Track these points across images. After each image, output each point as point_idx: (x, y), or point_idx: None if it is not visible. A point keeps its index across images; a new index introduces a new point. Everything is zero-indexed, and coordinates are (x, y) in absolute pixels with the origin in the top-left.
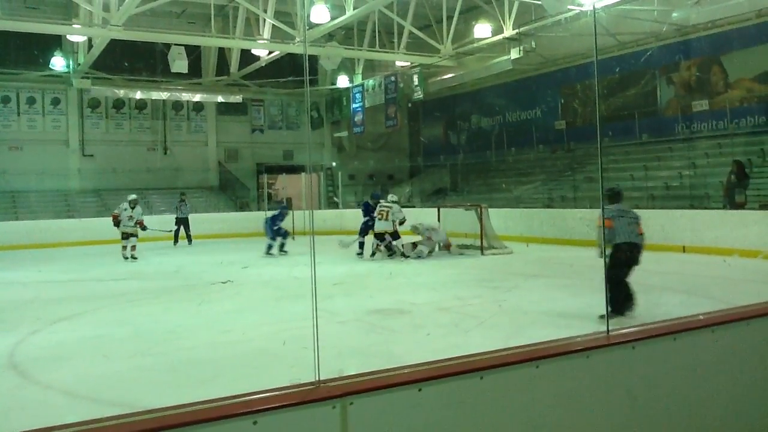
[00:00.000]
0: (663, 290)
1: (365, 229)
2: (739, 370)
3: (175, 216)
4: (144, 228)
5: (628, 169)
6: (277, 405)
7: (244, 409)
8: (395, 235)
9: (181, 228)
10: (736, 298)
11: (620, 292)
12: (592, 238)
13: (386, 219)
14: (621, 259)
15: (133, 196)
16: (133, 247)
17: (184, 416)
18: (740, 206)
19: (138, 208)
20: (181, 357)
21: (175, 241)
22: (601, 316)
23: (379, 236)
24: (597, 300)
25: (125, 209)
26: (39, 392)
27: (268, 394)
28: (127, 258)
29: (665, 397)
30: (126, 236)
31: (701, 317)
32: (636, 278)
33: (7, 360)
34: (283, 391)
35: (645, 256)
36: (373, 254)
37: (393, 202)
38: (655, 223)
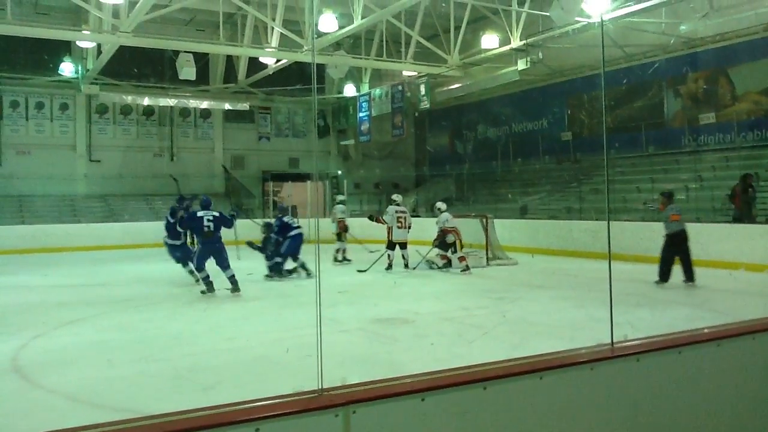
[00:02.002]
0: (668, 303)
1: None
2: (745, 384)
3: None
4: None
5: (634, 181)
6: (279, 413)
7: (246, 416)
8: (404, 246)
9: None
10: (741, 311)
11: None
12: (595, 250)
13: (405, 227)
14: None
15: (341, 197)
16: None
17: (186, 422)
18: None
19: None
20: (184, 363)
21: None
22: (656, 282)
23: (393, 246)
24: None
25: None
26: (42, 396)
27: (270, 402)
28: None
29: (669, 410)
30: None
31: (706, 330)
32: (642, 291)
33: (11, 364)
34: (285, 399)
35: (651, 269)
36: (389, 267)
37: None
38: (661, 235)
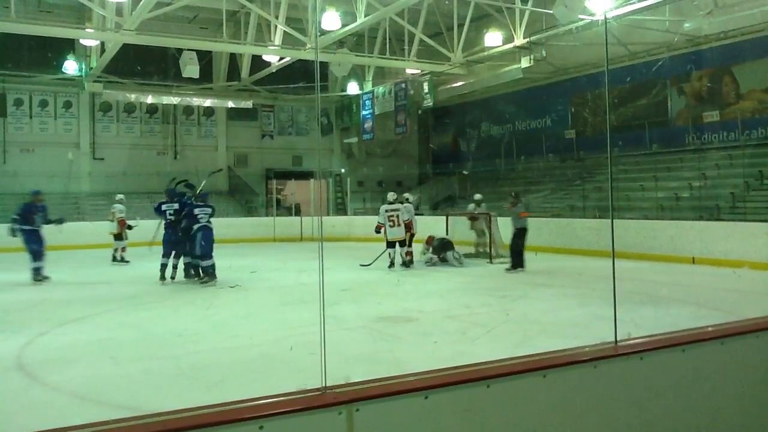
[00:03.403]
0: (672, 301)
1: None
2: (748, 383)
3: None
4: (129, 228)
5: (638, 180)
6: (283, 410)
7: (250, 414)
8: (403, 243)
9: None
10: (745, 310)
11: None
12: (599, 248)
13: (398, 225)
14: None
15: (119, 196)
16: (123, 249)
17: (189, 420)
18: None
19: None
20: (188, 361)
21: None
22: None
23: (392, 245)
24: (606, 310)
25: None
26: (46, 394)
27: (274, 400)
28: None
29: (673, 409)
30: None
31: (710, 329)
32: (646, 289)
33: (15, 361)
34: (289, 397)
35: (654, 267)
36: (391, 265)
37: (399, 202)
38: (664, 234)
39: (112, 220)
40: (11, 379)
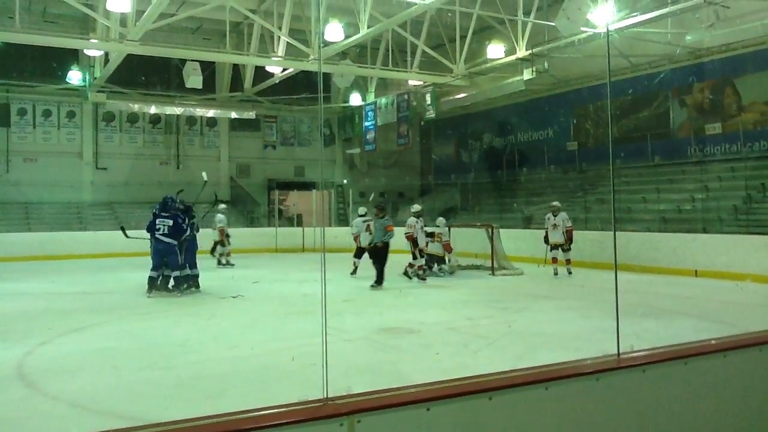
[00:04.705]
0: (674, 314)
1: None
2: (751, 396)
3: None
4: (228, 236)
5: (640, 192)
6: (284, 421)
7: (251, 425)
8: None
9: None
10: (748, 323)
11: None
12: (601, 260)
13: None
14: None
15: (221, 206)
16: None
17: (191, 430)
18: None
19: None
20: (189, 371)
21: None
22: (371, 286)
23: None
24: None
25: None
26: (46, 403)
27: (275, 410)
28: None
29: (675, 422)
30: None
31: (713, 342)
32: (648, 301)
33: (16, 371)
34: (290, 408)
35: (657, 280)
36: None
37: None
38: (667, 246)
39: (214, 229)
40: (12, 388)
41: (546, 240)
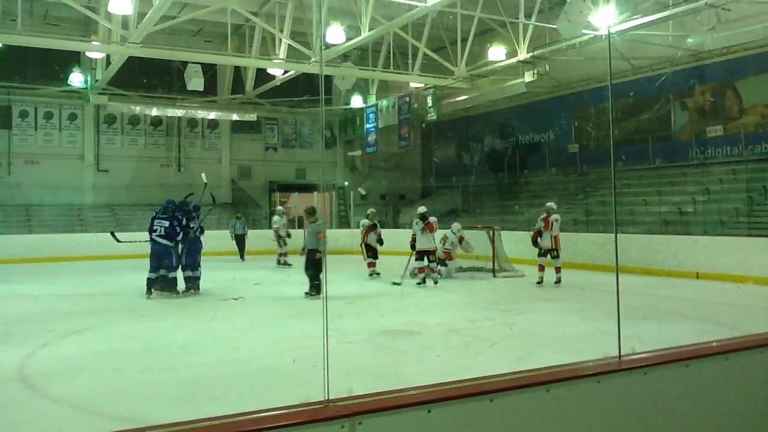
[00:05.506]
0: (676, 316)
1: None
2: (752, 398)
3: (231, 233)
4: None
5: (641, 194)
6: (285, 423)
7: (252, 427)
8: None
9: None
10: (749, 325)
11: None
12: (603, 263)
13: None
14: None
15: (279, 208)
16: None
17: None
18: None
19: None
20: (190, 373)
21: (241, 257)
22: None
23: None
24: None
25: None
26: (47, 405)
27: (276, 413)
28: None
29: (676, 424)
30: None
31: (714, 344)
32: (649, 304)
33: (17, 372)
34: (292, 410)
35: (658, 282)
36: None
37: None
38: (668, 248)
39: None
40: (13, 390)
41: (534, 242)
